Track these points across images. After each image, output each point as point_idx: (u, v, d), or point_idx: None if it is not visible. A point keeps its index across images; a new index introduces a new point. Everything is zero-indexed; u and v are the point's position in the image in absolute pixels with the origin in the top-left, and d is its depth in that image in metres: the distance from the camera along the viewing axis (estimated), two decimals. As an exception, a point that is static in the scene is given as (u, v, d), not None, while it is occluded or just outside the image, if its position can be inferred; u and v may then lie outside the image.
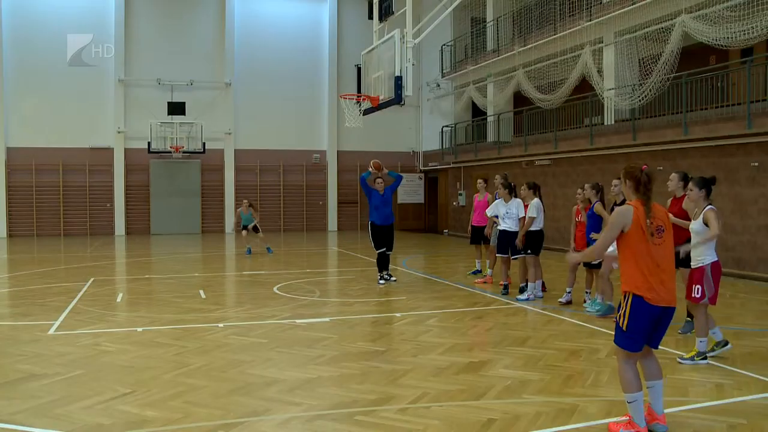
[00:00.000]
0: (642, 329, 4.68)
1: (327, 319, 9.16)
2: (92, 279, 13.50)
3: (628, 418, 4.78)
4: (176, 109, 27.17)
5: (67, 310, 9.87)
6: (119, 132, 27.47)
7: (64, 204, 27.23)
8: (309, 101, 29.39)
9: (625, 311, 4.69)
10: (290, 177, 29.18)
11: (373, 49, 14.76)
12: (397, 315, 9.40)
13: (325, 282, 13.81)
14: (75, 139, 27.20)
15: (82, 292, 11.68)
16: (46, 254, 19.88)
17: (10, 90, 26.58)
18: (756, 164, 13.69)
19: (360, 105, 14.56)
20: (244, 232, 19.44)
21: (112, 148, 27.57)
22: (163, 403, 5.54)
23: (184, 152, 26.87)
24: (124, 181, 27.58)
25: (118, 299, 11.17)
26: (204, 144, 26.99)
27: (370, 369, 6.56)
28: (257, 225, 19.48)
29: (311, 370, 6.51)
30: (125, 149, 27.57)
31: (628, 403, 4.75)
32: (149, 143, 26.55)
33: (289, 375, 6.35)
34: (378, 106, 13.95)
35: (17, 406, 5.52)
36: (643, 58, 17.00)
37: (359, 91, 16.93)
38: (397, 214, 29.35)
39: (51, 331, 8.41)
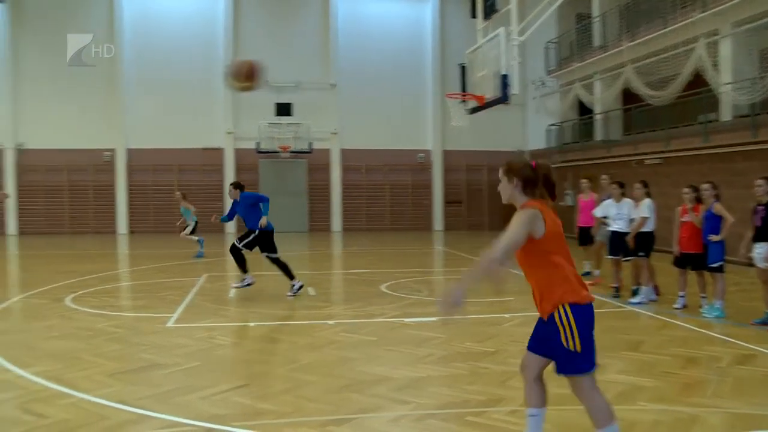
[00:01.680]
0: (591, 338, 3.97)
1: (435, 319, 9.14)
2: (206, 275, 14.01)
3: None
4: (283, 110, 27.86)
5: (183, 304, 10.29)
6: (229, 133, 28.39)
7: (181, 203, 28.30)
8: (413, 101, 29.48)
9: (571, 328, 3.89)
10: (396, 176, 29.35)
11: (477, 47, 14.67)
12: (506, 316, 9.29)
13: (432, 281, 13.81)
14: (188, 141, 28.32)
15: (197, 287, 12.15)
16: (163, 250, 20.74)
17: (129, 95, 27.94)
18: None
19: (465, 104, 14.48)
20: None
21: (223, 149, 28.54)
22: (276, 396, 5.67)
23: (291, 152, 27.49)
24: (234, 181, 28.42)
25: (231, 294, 11.53)
26: (310, 144, 27.52)
27: (480, 370, 6.50)
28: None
29: (420, 369, 6.52)
30: (235, 149, 28.48)
31: None
32: (258, 143, 27.31)
33: (399, 373, 6.37)
34: (484, 105, 13.85)
35: (142, 392, 5.79)
36: (763, 50, 16.14)
37: (463, 90, 16.86)
38: (504, 214, 29.08)
39: (169, 324, 8.78)
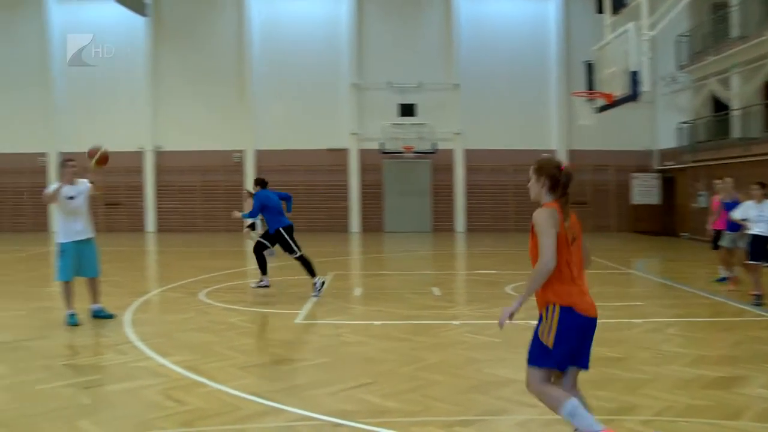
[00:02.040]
0: (568, 342, 4.21)
1: (561, 322, 8.96)
2: (332, 273, 14.31)
3: None
4: (407, 110, 28.02)
5: (311, 301, 10.55)
6: (353, 134, 28.88)
7: (305, 202, 29.15)
8: (537, 100, 28.92)
9: (551, 325, 4.23)
10: (520, 176, 28.90)
11: (605, 44, 14.24)
12: (635, 321, 8.97)
13: (556, 283, 13.52)
14: (314, 142, 29.03)
15: (324, 285, 12.40)
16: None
17: (258, 98, 28.97)
18: None
19: (593, 102, 14.09)
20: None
21: (348, 149, 29.07)
22: (403, 395, 5.72)
23: (415, 152, 27.63)
24: (359, 181, 28.97)
25: (356, 293, 11.73)
26: (434, 144, 27.57)
27: (609, 376, 6.32)
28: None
29: (547, 373, 6.40)
30: (359, 150, 28.94)
31: (570, 419, 4.17)
32: (382, 144, 27.63)
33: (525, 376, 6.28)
34: (612, 103, 13.44)
35: (272, 386, 6.00)
36: None
37: (589, 88, 16.42)
38: (632, 215, 28.14)
39: (298, 320, 9.04)
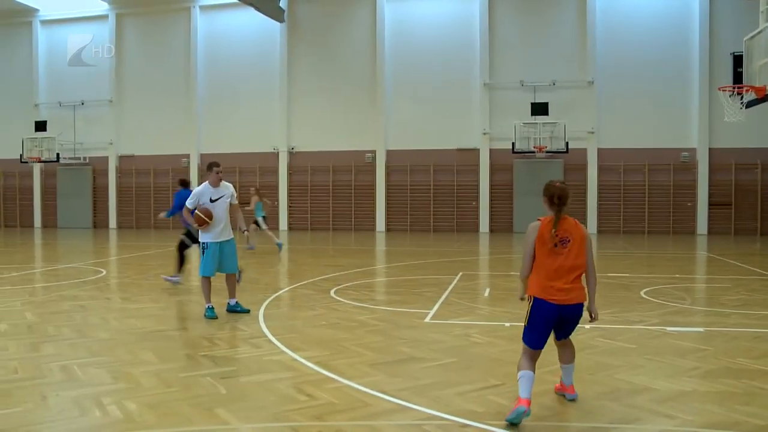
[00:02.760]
0: (539, 327, 5.28)
1: (701, 329, 8.55)
2: (461, 273, 14.28)
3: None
4: (539, 109, 27.50)
5: (440, 301, 10.58)
6: (485, 134, 28.70)
7: (434, 202, 29.28)
8: (676, 96, 27.64)
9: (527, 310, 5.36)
10: (656, 176, 27.80)
11: (758, 32, 13.41)
12: (784, 331, 8.42)
13: (695, 289, 12.93)
14: (444, 141, 29.11)
15: (452, 285, 12.43)
16: (419, 248, 21.48)
17: (389, 98, 29.38)
18: None
19: (742, 97, 13.30)
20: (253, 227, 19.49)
21: (478, 149, 28.91)
22: (532, 398, 5.60)
23: (547, 152, 27.12)
24: (489, 181, 28.76)
25: (485, 294, 11.65)
26: (567, 143, 26.95)
27: (756, 390, 5.94)
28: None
29: (684, 383, 6.12)
30: (490, 150, 28.72)
31: (519, 380, 5.16)
32: (513, 144, 27.28)
33: (660, 384, 6.04)
34: (764, 98, 12.64)
35: (401, 384, 6.06)
36: None
37: (736, 81, 15.51)
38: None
39: (426, 319, 9.08)
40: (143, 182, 32.79)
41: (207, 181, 9.51)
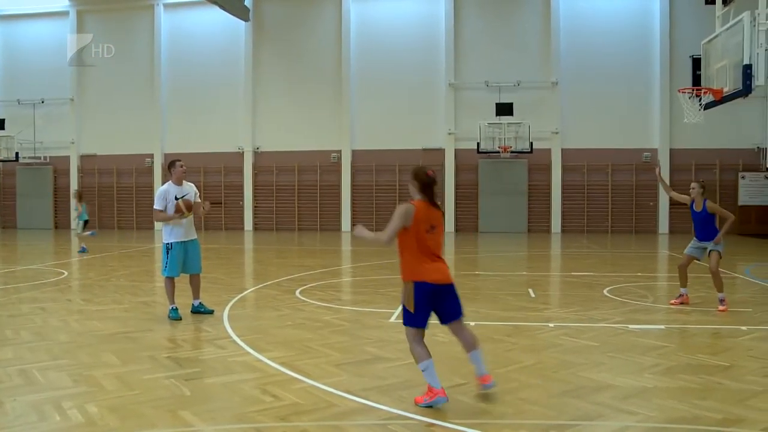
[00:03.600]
0: (424, 308, 5.50)
1: (662, 327, 8.69)
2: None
3: (427, 387, 5.45)
4: (504, 109, 27.62)
5: (405, 301, 10.58)
6: (450, 134, 28.82)
7: (399, 201, 29.27)
8: (638, 97, 28.04)
9: (409, 295, 5.49)
10: (618, 177, 28.18)
11: (715, 37, 13.67)
12: (743, 328, 8.57)
13: (657, 287, 13.14)
14: (409, 141, 29.17)
15: (417, 285, 12.43)
16: (385, 248, 21.43)
17: (354, 98, 29.39)
18: None
19: (700, 99, 13.53)
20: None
21: (443, 149, 29.02)
22: (497, 396, 5.67)
23: (511, 152, 27.29)
24: (454, 180, 28.88)
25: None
26: (531, 144, 27.15)
27: (713, 385, 6.06)
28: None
29: (646, 379, 6.21)
30: (455, 150, 28.85)
31: (423, 371, 5.48)
32: (478, 144, 27.42)
33: (623, 381, 6.12)
34: (721, 99, 12.88)
35: (366, 383, 6.07)
36: None
37: (695, 84, 15.78)
38: (738, 217, 26.89)
39: (392, 319, 9.09)
40: (106, 182, 32.30)
41: (170, 180, 9.33)
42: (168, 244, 9.24)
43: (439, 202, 5.73)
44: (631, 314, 9.51)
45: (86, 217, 20.03)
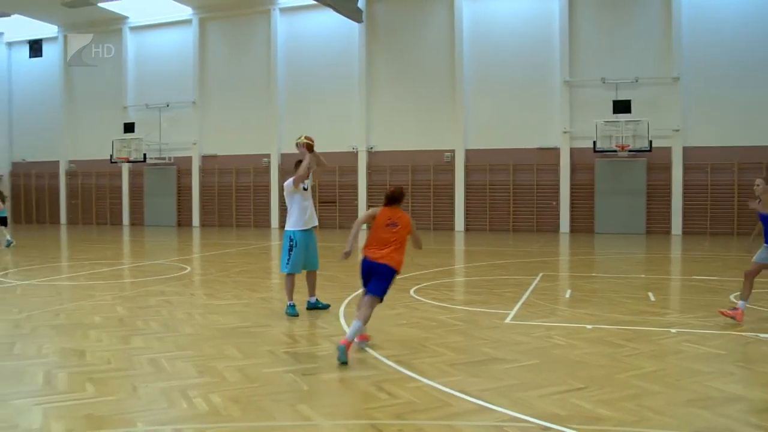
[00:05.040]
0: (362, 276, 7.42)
1: (796, 336, 8.20)
2: (541, 274, 14.08)
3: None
4: (621, 107, 26.78)
5: (520, 302, 10.47)
6: (565, 132, 28.20)
7: (513, 201, 28.96)
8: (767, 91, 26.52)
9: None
10: (745, 175, 26.65)
11: None
12: None
13: (789, 293, 12.40)
14: (523, 140, 28.75)
15: (533, 286, 12.27)
16: (499, 248, 21.29)
17: (468, 97, 29.25)
18: None
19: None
20: None
21: (558, 148, 28.44)
22: (617, 403, 5.51)
23: (629, 151, 26.43)
24: (570, 180, 28.26)
25: (567, 295, 11.45)
26: (650, 142, 26.19)
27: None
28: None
29: (780, 392, 5.87)
30: (571, 149, 28.21)
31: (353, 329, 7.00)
32: (594, 142, 26.70)
33: (755, 394, 5.80)
34: None
35: (483, 384, 6.01)
36: None
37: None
38: None
39: (507, 320, 9.00)
40: (225, 181, 33.57)
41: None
42: (292, 238, 9.31)
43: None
44: (761, 323, 9.01)
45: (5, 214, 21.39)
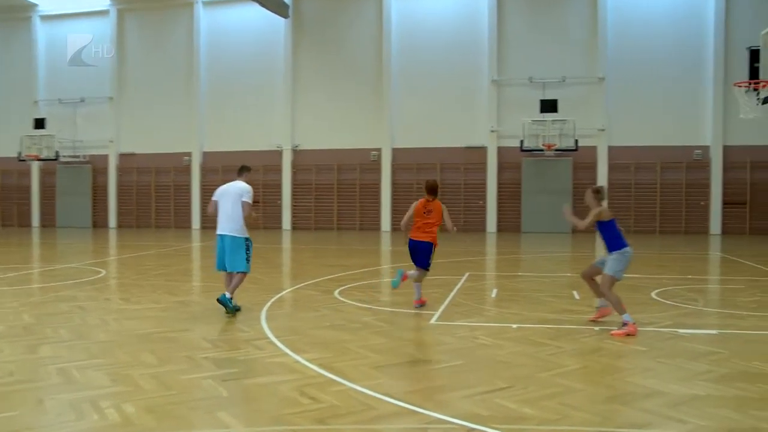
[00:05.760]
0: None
1: (714, 332, 8.51)
2: (467, 273, 14.26)
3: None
4: (548, 106, 27.34)
5: (446, 302, 10.58)
6: (492, 131, 28.65)
7: (441, 201, 29.19)
8: (690, 92, 27.48)
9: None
10: (668, 175, 27.71)
11: (775, 26, 13.33)
12: (800, 334, 8.36)
13: (708, 290, 12.88)
14: (451, 139, 29.08)
15: (459, 286, 12.43)
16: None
17: (395, 95, 29.37)
18: None
19: (758, 93, 13.23)
20: None
21: (486, 147, 28.87)
22: (540, 401, 5.62)
23: (556, 150, 27.02)
24: (497, 180, 28.72)
25: (493, 294, 11.64)
26: (576, 141, 26.86)
27: (772, 396, 5.90)
28: None
29: (698, 387, 6.07)
30: (498, 148, 28.67)
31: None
32: (521, 141, 27.21)
33: (672, 388, 6.00)
34: (781, 93, 12.57)
35: (407, 387, 6.06)
36: None
37: (752, 77, 15.45)
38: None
39: (432, 321, 9.08)
40: (144, 181, 32.83)
41: (241, 181, 9.92)
42: (249, 239, 9.72)
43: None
44: (680, 318, 9.34)
45: None
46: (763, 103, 13.12)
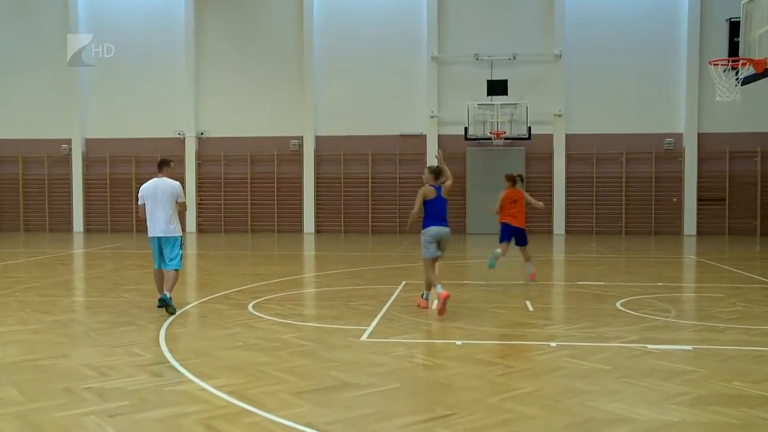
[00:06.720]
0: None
1: (689, 348, 8.71)
2: (404, 282, 14.31)
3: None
4: (497, 88, 27.59)
5: (378, 316, 10.59)
6: (432, 117, 28.86)
7: (373, 198, 29.30)
8: (660, 72, 28.26)
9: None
10: (634, 167, 28.36)
11: (760, -5, 13.61)
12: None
13: (682, 299, 13.22)
14: (384, 127, 29.16)
15: (394, 297, 12.47)
16: (355, 252, 21.49)
17: (319, 75, 29.31)
18: None
19: (737, 72, 13.51)
20: None
21: (425, 135, 29.06)
22: (487, 430, 5.65)
23: (506, 138, 27.32)
24: (438, 172, 28.89)
25: (433, 306, 11.68)
26: (529, 128, 27.22)
27: (755, 420, 6.00)
28: None
29: (670, 411, 6.19)
30: (439, 136, 28.89)
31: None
32: (466, 129, 27.46)
33: (642, 414, 6.11)
34: (764, 72, 12.88)
35: (333, 415, 6.01)
36: None
37: (731, 54, 15.82)
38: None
39: (363, 338, 9.07)
40: (9, 173, 31.79)
41: (166, 177, 11.10)
42: (181, 236, 11.14)
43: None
44: (650, 332, 9.54)
45: None
46: (743, 83, 13.37)
